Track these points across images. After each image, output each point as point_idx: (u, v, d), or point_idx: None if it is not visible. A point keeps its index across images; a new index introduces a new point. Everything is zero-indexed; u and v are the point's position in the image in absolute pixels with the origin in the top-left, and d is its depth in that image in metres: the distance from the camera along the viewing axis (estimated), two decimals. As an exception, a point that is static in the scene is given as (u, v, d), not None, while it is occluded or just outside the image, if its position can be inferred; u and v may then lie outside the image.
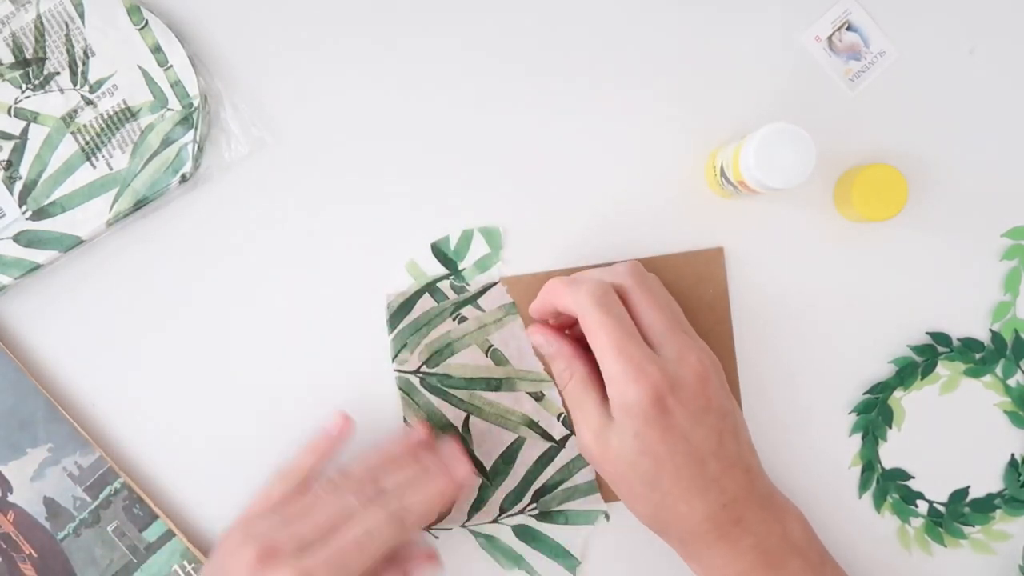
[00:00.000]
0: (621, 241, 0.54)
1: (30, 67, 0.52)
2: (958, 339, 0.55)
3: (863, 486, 0.55)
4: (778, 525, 0.47)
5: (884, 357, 0.55)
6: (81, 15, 0.52)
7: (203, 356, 0.54)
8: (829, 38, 0.54)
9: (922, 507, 0.55)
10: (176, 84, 0.52)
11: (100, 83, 0.52)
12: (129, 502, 0.53)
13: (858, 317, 0.54)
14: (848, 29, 0.54)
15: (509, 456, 0.54)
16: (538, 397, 0.54)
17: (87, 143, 0.52)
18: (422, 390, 0.54)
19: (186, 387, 0.54)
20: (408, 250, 0.54)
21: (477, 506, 0.54)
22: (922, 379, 0.54)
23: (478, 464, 0.54)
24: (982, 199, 0.54)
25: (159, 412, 0.54)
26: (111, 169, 0.52)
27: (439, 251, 0.54)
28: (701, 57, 0.54)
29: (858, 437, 0.55)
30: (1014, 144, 0.54)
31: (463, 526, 0.55)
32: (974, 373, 0.55)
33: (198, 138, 0.52)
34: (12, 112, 0.52)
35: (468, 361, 0.54)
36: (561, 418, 0.54)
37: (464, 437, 0.54)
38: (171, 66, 0.52)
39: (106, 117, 0.52)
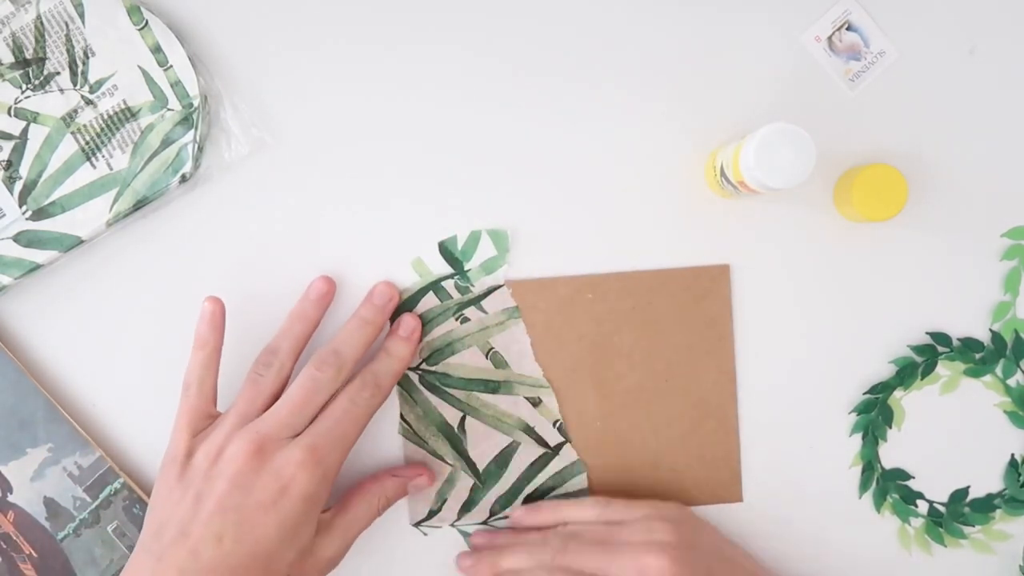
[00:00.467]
0: (624, 246, 0.54)
1: (30, 67, 0.52)
2: (958, 339, 0.55)
3: (863, 486, 0.55)
4: None
5: (884, 357, 0.55)
6: (81, 15, 0.52)
7: (203, 356, 0.54)
8: (829, 38, 0.54)
9: (922, 507, 0.55)
10: (176, 84, 0.52)
11: (100, 83, 0.52)
12: (129, 502, 0.53)
13: (858, 317, 0.54)
14: (848, 29, 0.54)
15: (503, 459, 0.54)
16: (535, 402, 0.54)
17: (87, 143, 0.52)
18: (420, 387, 0.54)
19: (186, 387, 0.54)
20: (415, 248, 0.54)
21: (468, 507, 0.54)
22: (922, 379, 0.55)
23: (471, 465, 0.54)
24: (982, 199, 0.54)
25: (159, 412, 0.54)
26: (111, 169, 0.52)
27: (446, 250, 0.54)
28: (701, 57, 0.54)
29: (858, 437, 0.55)
30: (1014, 144, 0.54)
31: (452, 525, 0.55)
32: (974, 373, 0.55)
33: (198, 138, 0.52)
34: (12, 112, 0.52)
35: (468, 362, 0.54)
36: (557, 425, 0.54)
37: (459, 437, 0.54)
38: (171, 66, 0.52)
39: (106, 117, 0.52)
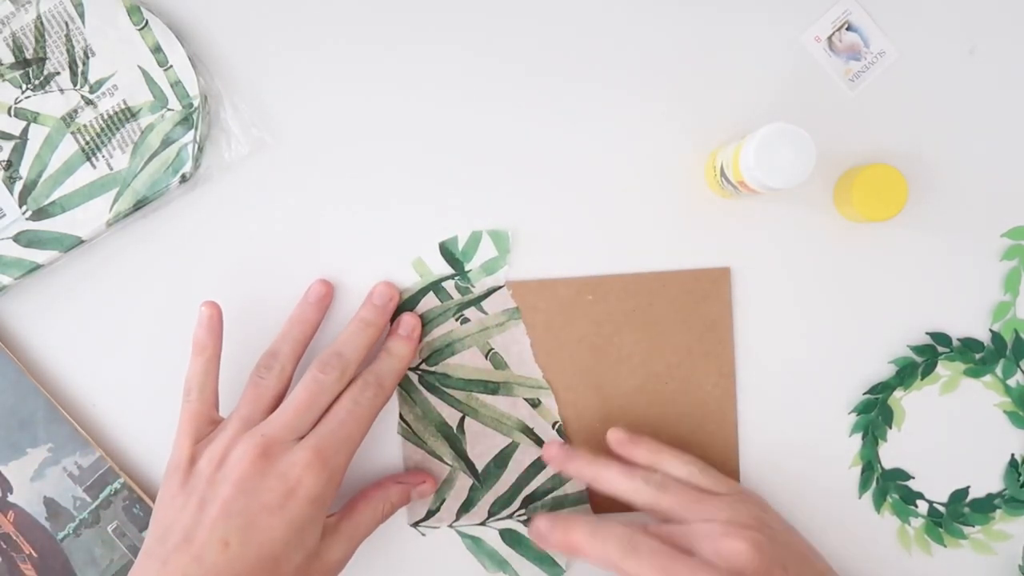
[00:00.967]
0: (624, 247, 0.54)
1: (30, 67, 0.52)
2: (958, 339, 0.55)
3: (863, 486, 0.55)
4: None
5: (884, 357, 0.55)
6: (81, 15, 0.52)
7: (203, 356, 0.54)
8: (829, 38, 0.54)
9: (922, 507, 0.55)
10: (176, 84, 0.52)
11: (100, 83, 0.52)
12: (129, 502, 0.53)
13: (858, 317, 0.54)
14: (848, 29, 0.54)
15: (501, 460, 0.54)
16: (535, 403, 0.54)
17: (87, 143, 0.52)
18: (420, 387, 0.54)
19: (186, 387, 0.54)
20: (415, 248, 0.54)
21: (466, 507, 0.54)
22: (922, 379, 0.54)
23: (470, 466, 0.54)
24: (982, 199, 0.54)
25: (159, 412, 0.54)
26: (111, 169, 0.52)
27: (447, 251, 0.54)
28: (701, 57, 0.54)
29: (858, 437, 0.55)
30: (1014, 144, 0.54)
31: (451, 526, 0.55)
32: (974, 373, 0.55)
33: (198, 138, 0.52)
34: (12, 112, 0.52)
35: (467, 362, 0.54)
36: (556, 426, 0.54)
37: (459, 437, 0.54)
38: (171, 66, 0.52)
39: (106, 117, 0.52)
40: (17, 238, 0.52)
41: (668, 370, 0.54)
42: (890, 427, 0.55)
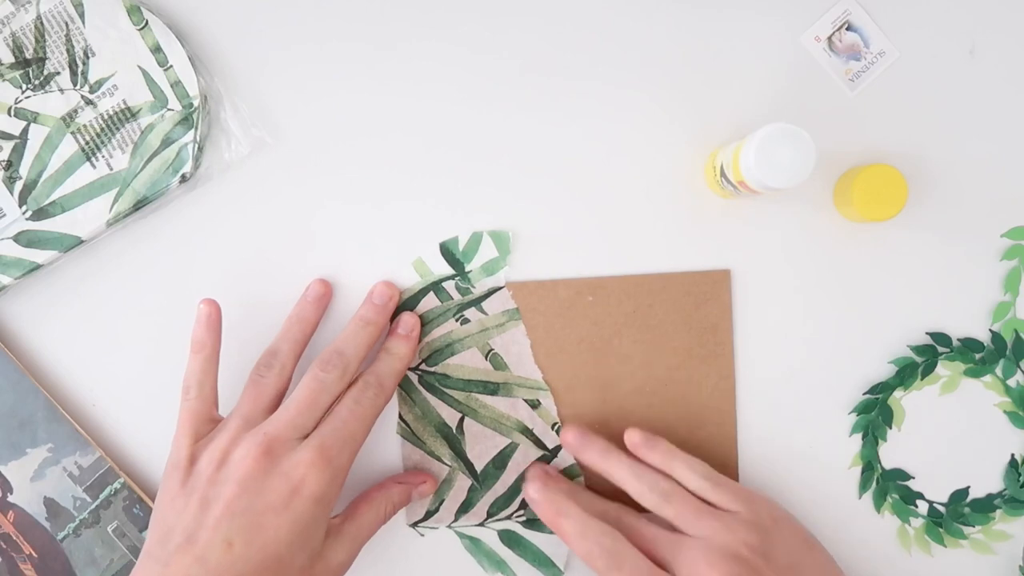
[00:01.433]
0: (624, 247, 0.54)
1: (30, 67, 0.52)
2: (958, 339, 0.55)
3: (863, 486, 0.55)
4: None
5: (884, 357, 0.55)
6: (81, 15, 0.52)
7: (203, 356, 0.54)
8: (829, 38, 0.54)
9: (922, 507, 0.55)
10: (176, 84, 0.52)
11: (100, 83, 0.52)
12: (129, 502, 0.53)
13: (858, 317, 0.54)
14: (848, 29, 0.54)
15: (500, 461, 0.54)
16: (534, 404, 0.54)
17: (87, 143, 0.52)
18: (419, 388, 0.54)
19: (186, 387, 0.54)
20: (416, 248, 0.54)
21: (465, 508, 0.54)
22: (922, 379, 0.54)
23: (469, 466, 0.54)
24: (982, 199, 0.54)
25: (159, 412, 0.54)
26: (111, 169, 0.52)
27: (447, 251, 0.54)
28: (701, 57, 0.54)
29: (858, 437, 0.55)
30: (1014, 144, 0.54)
31: (449, 527, 0.55)
32: (974, 373, 0.55)
33: (198, 138, 0.52)
34: (12, 112, 0.52)
35: (467, 363, 0.54)
36: (556, 427, 0.54)
37: (458, 438, 0.54)
38: (171, 66, 0.52)
39: (106, 117, 0.52)
40: (17, 238, 0.52)
41: (668, 371, 0.54)
42: (890, 427, 0.55)
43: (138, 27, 0.52)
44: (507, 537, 0.55)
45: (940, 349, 0.54)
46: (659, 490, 0.49)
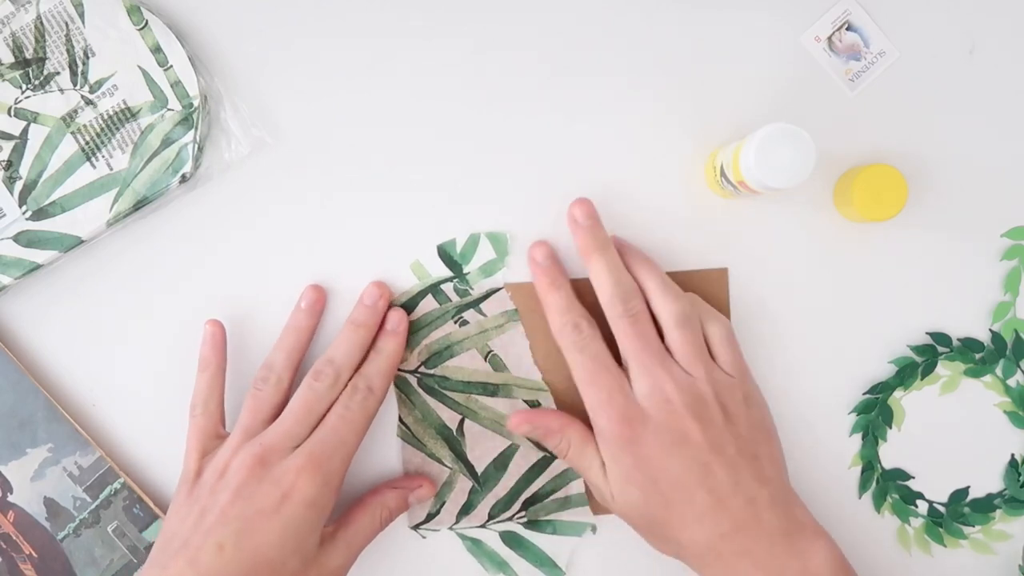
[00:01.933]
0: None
1: (30, 67, 0.52)
2: (958, 339, 0.55)
3: (863, 486, 0.55)
4: (796, 561, 0.47)
5: (884, 357, 0.55)
6: (81, 15, 0.52)
7: (203, 356, 0.54)
8: (829, 38, 0.54)
9: (922, 507, 0.55)
10: (176, 84, 0.52)
11: (100, 83, 0.52)
12: (129, 502, 0.53)
13: (858, 317, 0.54)
14: (848, 29, 0.54)
15: (501, 462, 0.54)
16: (534, 405, 0.54)
17: (87, 143, 0.52)
18: (419, 390, 0.54)
19: (186, 387, 0.54)
20: (413, 251, 0.54)
21: (466, 510, 0.54)
22: (922, 379, 0.55)
23: (470, 468, 0.54)
24: (982, 199, 0.54)
25: (159, 412, 0.54)
26: (111, 169, 0.52)
27: (445, 253, 0.54)
28: (701, 57, 0.54)
29: (858, 437, 0.55)
30: (1014, 144, 0.54)
31: (451, 528, 0.55)
32: (974, 373, 0.55)
33: (198, 138, 0.52)
34: (12, 112, 0.52)
35: (466, 365, 0.54)
36: None
37: (458, 440, 0.54)
38: (171, 66, 0.52)
39: (106, 117, 0.52)
40: (17, 238, 0.52)
41: (668, 370, 0.54)
42: (890, 427, 0.55)
43: (138, 27, 0.52)
44: (509, 538, 0.55)
45: (940, 349, 0.54)
46: (631, 312, 0.50)
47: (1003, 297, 0.55)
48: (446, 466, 0.54)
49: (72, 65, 0.52)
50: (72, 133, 0.52)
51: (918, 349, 0.54)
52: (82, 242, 0.52)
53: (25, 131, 0.52)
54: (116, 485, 0.53)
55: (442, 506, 0.54)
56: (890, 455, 0.55)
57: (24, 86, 0.52)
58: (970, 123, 0.54)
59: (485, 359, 0.54)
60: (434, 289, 0.54)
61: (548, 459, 0.54)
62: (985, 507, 0.55)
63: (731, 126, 0.54)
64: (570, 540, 0.55)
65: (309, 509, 0.47)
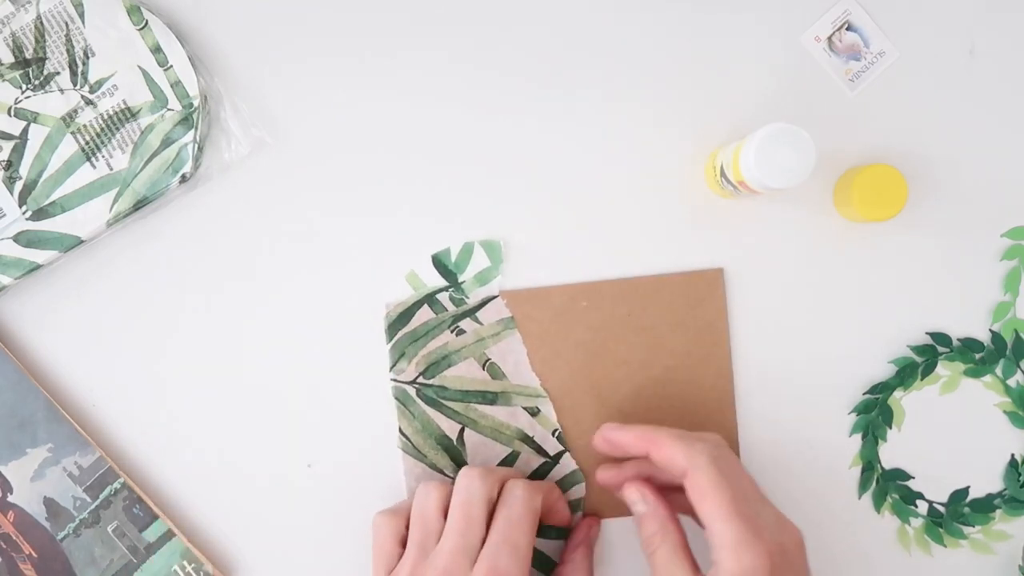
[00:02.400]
0: (622, 250, 0.54)
1: (30, 67, 0.52)
2: (958, 339, 0.55)
3: (863, 486, 0.55)
4: None
5: (884, 357, 0.55)
6: (81, 15, 0.52)
7: (202, 357, 0.54)
8: (829, 38, 0.54)
9: (922, 507, 0.55)
10: (176, 84, 0.52)
11: (100, 83, 0.52)
12: (129, 502, 0.53)
13: (858, 317, 0.54)
14: (848, 29, 0.54)
15: None
16: (533, 412, 0.54)
17: (87, 143, 0.52)
18: (418, 400, 0.54)
19: (186, 387, 0.54)
20: (408, 261, 0.54)
21: None
22: (922, 379, 0.54)
23: None
24: (982, 199, 0.54)
25: (159, 412, 0.54)
26: (111, 169, 0.52)
27: (439, 263, 0.54)
28: (701, 57, 0.54)
29: (858, 437, 0.55)
30: (1014, 144, 0.54)
31: None
32: (974, 373, 0.55)
33: (198, 138, 0.52)
34: (12, 112, 0.52)
35: (464, 374, 0.54)
36: (556, 434, 0.54)
37: (459, 449, 0.54)
38: (171, 66, 0.52)
39: (106, 117, 0.52)
40: (17, 238, 0.52)
41: (665, 373, 0.54)
42: (890, 427, 0.55)
43: (138, 27, 0.52)
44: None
45: (940, 349, 0.54)
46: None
47: (1003, 297, 0.55)
48: (447, 476, 0.54)
49: (72, 65, 0.52)
50: (72, 133, 0.52)
51: (918, 349, 0.54)
52: (82, 242, 0.52)
53: (25, 131, 0.52)
54: (116, 485, 0.53)
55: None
56: (890, 455, 0.55)
57: (24, 86, 0.52)
58: (970, 123, 0.54)
59: (483, 367, 0.54)
60: (430, 299, 0.54)
61: (549, 464, 0.54)
62: (985, 507, 0.55)
63: (731, 126, 0.54)
64: None
65: None
